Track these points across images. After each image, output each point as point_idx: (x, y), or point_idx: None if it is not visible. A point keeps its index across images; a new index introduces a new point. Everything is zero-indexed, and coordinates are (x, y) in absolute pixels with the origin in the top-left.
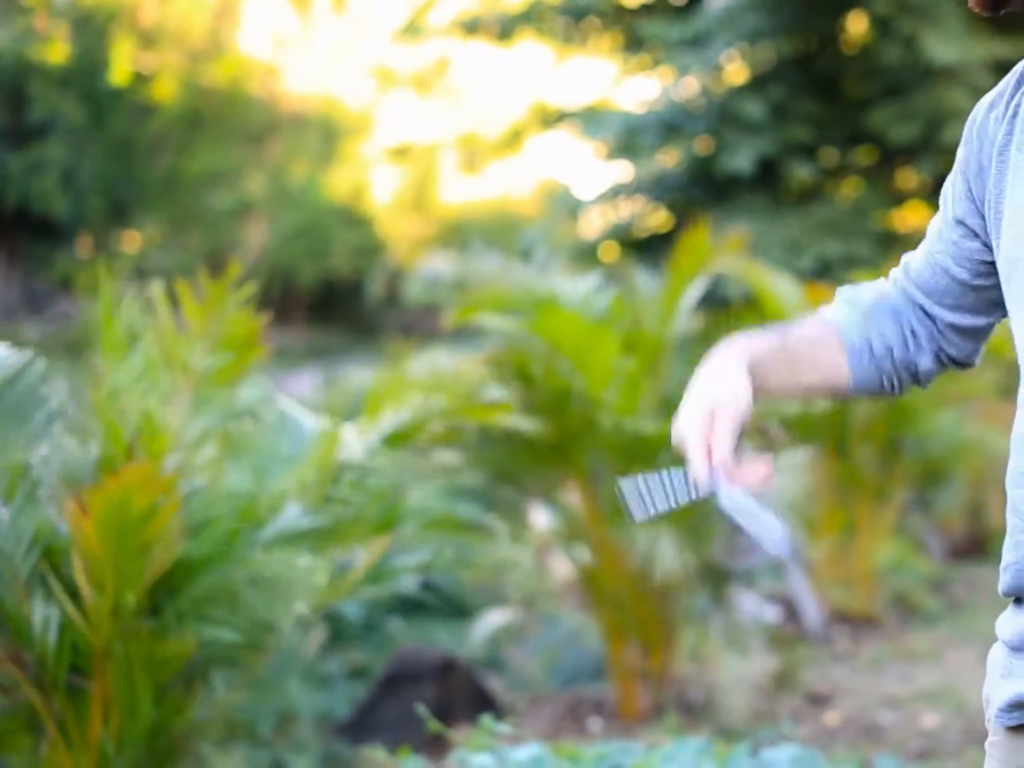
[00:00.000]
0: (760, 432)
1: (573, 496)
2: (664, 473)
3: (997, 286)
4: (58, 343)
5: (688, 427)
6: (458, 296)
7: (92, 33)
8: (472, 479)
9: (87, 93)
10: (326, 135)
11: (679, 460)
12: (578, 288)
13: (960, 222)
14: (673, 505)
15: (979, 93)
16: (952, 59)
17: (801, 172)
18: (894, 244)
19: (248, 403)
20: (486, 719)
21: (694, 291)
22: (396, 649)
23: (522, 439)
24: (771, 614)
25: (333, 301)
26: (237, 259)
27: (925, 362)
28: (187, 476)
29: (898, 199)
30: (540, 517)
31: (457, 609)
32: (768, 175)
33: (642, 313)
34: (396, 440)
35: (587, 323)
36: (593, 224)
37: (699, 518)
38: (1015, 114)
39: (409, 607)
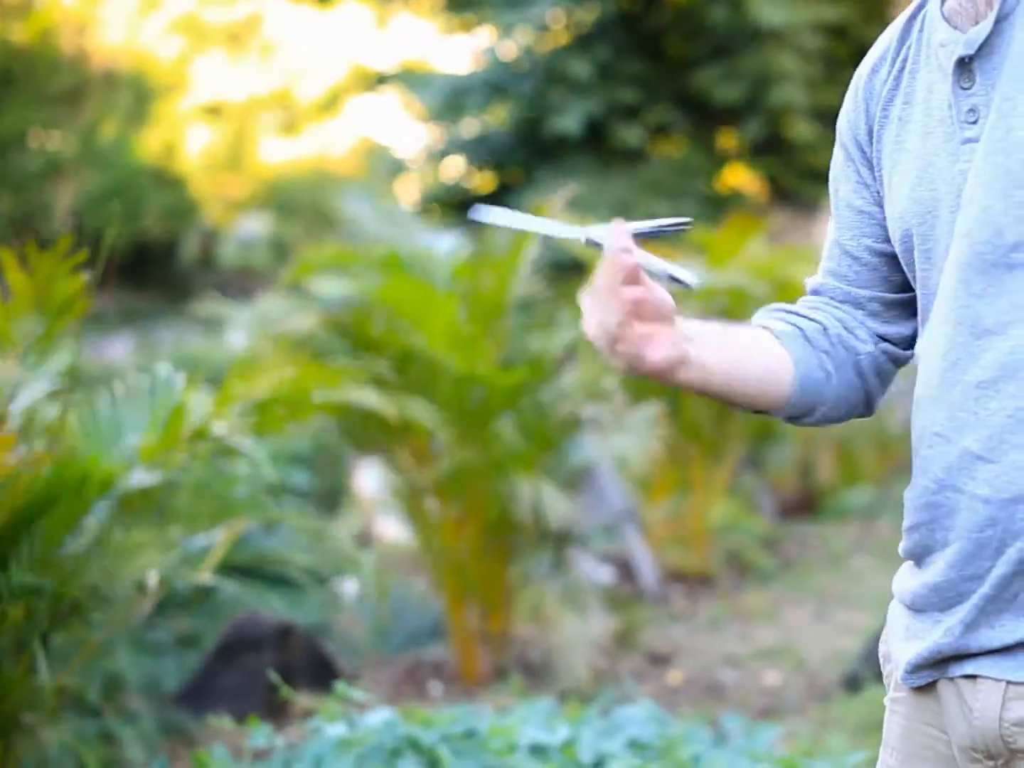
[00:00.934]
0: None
1: (408, 458)
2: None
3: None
4: None
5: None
6: (295, 254)
7: None
8: (302, 444)
9: None
10: (137, 93)
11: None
12: (419, 249)
13: (859, 195)
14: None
15: (806, 56)
16: (779, 21)
17: (628, 133)
18: (721, 205)
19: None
20: (341, 685)
21: (529, 253)
22: (231, 617)
23: (361, 404)
24: (606, 574)
25: (146, 263)
26: (44, 222)
27: (867, 348)
28: (23, 441)
29: (723, 159)
30: (367, 481)
31: (288, 576)
32: (595, 135)
33: (484, 274)
34: (257, 413)
35: (426, 285)
36: (415, 185)
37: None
38: (902, 68)
39: (239, 574)
